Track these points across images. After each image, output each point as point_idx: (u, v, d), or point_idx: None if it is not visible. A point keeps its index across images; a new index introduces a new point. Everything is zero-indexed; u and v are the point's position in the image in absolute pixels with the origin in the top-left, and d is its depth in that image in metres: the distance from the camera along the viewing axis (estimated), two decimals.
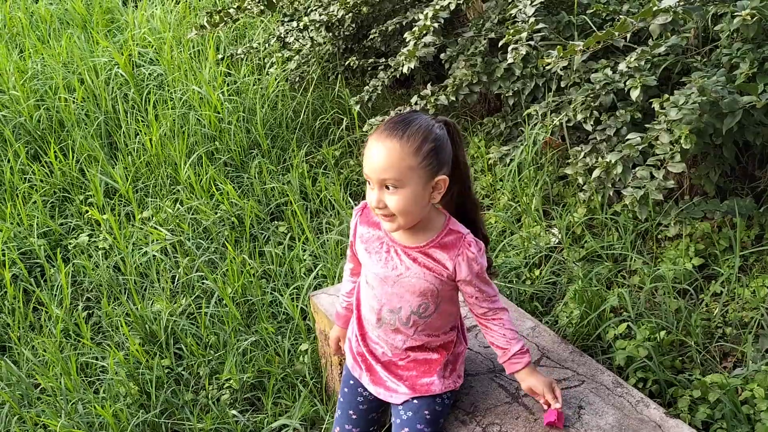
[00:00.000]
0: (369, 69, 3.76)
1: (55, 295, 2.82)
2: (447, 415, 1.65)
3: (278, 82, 3.85)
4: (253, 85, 3.84)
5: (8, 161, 3.49)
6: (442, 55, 3.24)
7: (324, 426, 2.18)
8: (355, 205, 3.16)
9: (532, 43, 2.76)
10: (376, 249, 1.59)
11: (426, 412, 1.60)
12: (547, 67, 2.47)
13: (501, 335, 1.58)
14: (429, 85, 3.16)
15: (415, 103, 3.10)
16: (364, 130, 3.35)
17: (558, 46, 2.35)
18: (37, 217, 3.18)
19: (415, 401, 1.62)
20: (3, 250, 2.99)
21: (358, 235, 1.64)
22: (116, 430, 2.18)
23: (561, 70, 2.74)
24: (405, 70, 3.06)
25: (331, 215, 3.12)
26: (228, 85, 3.86)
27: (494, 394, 1.68)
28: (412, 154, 1.41)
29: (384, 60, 3.54)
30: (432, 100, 3.03)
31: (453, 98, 3.02)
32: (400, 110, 3.19)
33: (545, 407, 1.58)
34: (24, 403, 2.39)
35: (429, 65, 3.68)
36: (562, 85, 2.83)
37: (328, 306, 2.12)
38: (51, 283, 2.91)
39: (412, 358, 1.64)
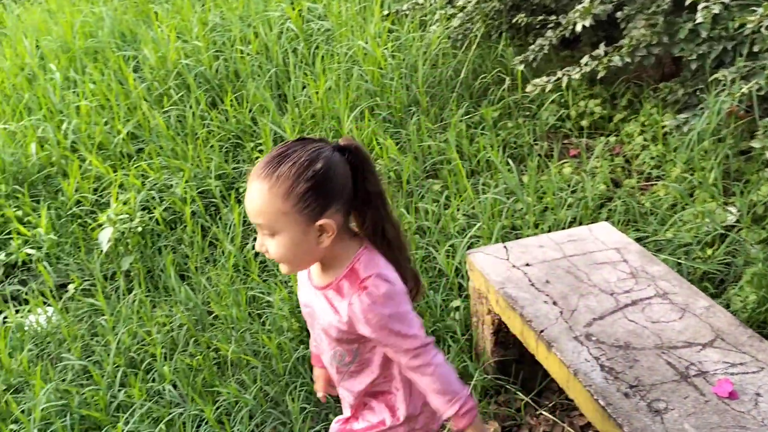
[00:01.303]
0: (536, 27, 3.63)
1: (228, 233, 3.06)
2: None
3: (440, 40, 3.84)
4: (416, 42, 3.86)
5: (190, 107, 3.79)
6: (618, 14, 3.06)
7: (472, 383, 2.21)
8: (516, 167, 3.11)
9: (725, 1, 2.52)
10: (303, 281, 1.43)
11: None
12: (749, 26, 2.25)
13: (433, 396, 1.34)
14: (602, 46, 3.00)
15: (585, 64, 2.97)
16: (527, 91, 3.27)
17: (765, 2, 2.12)
18: (214, 160, 3.44)
19: None
20: (185, 188, 3.28)
21: None
22: (279, 361, 2.35)
23: (754, 33, 2.49)
24: (578, 28, 2.93)
25: (488, 176, 3.10)
26: (392, 41, 3.90)
27: (661, 370, 1.61)
28: (282, 198, 1.21)
29: (554, 17, 3.40)
30: (605, 62, 2.88)
31: (628, 60, 2.85)
32: (567, 72, 3.07)
33: None
34: (199, 327, 2.64)
35: (599, 25, 3.48)
36: (755, 49, 2.57)
37: (484, 265, 2.13)
38: (225, 221, 3.15)
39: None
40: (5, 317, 2.80)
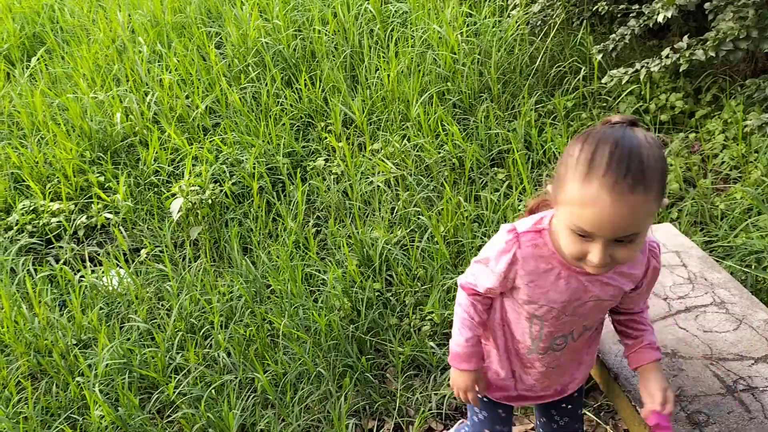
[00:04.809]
0: (619, 16, 3.49)
1: (292, 209, 3.14)
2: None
3: (518, 25, 3.75)
4: (493, 27, 3.79)
5: (266, 85, 3.88)
6: (706, 5, 2.89)
7: None
8: None
9: None
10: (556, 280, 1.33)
11: None
12: None
13: (650, 335, 1.47)
14: (686, 38, 2.85)
15: (666, 56, 2.83)
16: (603, 81, 3.15)
17: None
18: (284, 138, 3.52)
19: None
20: (254, 164, 3.37)
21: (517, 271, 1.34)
22: (328, 338, 2.40)
23: None
24: (660, 18, 2.79)
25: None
26: (468, 26, 3.85)
27: (707, 382, 1.54)
28: (656, 201, 1.13)
29: (638, 6, 3.26)
30: (687, 55, 2.74)
31: (712, 54, 2.70)
32: (647, 64, 2.93)
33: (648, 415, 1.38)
34: (257, 300, 2.73)
35: (689, 15, 3.31)
36: None
37: None
38: (289, 198, 3.23)
39: None
40: (81, 276, 2.99)
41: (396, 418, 2.22)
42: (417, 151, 3.24)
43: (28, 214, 3.40)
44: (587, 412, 2.11)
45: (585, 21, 3.69)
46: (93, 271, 3.05)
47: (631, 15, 3.26)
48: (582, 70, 3.44)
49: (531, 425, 2.11)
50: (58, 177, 3.60)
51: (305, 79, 3.81)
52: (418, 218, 2.88)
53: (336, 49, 4.07)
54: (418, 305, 2.55)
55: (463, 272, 2.55)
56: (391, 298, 2.60)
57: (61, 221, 3.33)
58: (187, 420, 2.23)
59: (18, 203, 3.47)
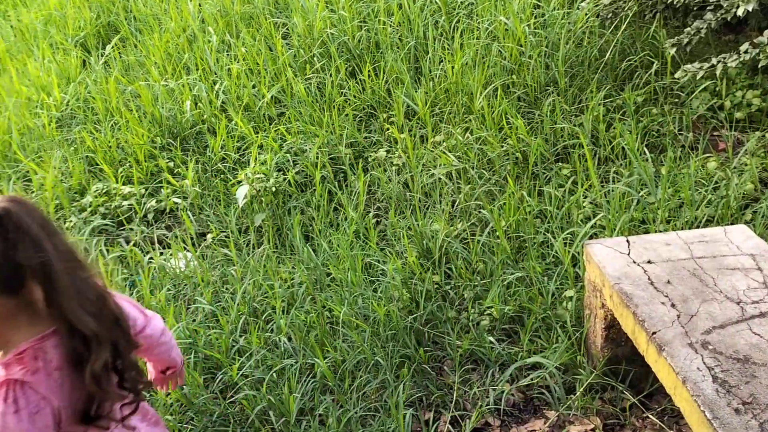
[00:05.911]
0: (694, 9, 3.36)
1: (353, 200, 3.17)
2: None
3: (588, 17, 3.67)
4: (562, 19, 3.71)
5: (330, 75, 3.92)
6: None
7: (580, 378, 2.16)
8: (652, 157, 2.94)
9: None
10: None
11: None
12: None
13: None
14: (766, 32, 2.73)
15: (745, 51, 2.72)
16: (676, 76, 3.05)
17: None
18: (347, 129, 3.55)
19: None
20: (317, 153, 3.42)
21: None
22: (386, 328, 2.42)
23: None
24: (740, 12, 2.68)
25: (621, 165, 2.95)
26: (536, 17, 3.78)
27: None
28: None
29: None
30: (767, 50, 2.62)
31: None
32: (723, 59, 2.82)
33: None
34: (317, 287, 2.78)
35: None
36: None
37: (602, 257, 2.05)
38: (350, 188, 3.26)
39: None
40: (150, 258, 3.10)
41: (453, 411, 2.22)
42: (480, 144, 3.22)
43: (101, 196, 3.54)
44: (650, 416, 2.06)
45: (658, 14, 3.57)
46: (161, 254, 3.16)
47: (707, 8, 3.14)
48: (654, 65, 3.34)
49: (591, 425, 2.08)
50: (129, 161, 3.74)
51: (369, 71, 3.83)
52: (479, 212, 2.86)
53: (400, 40, 4.07)
54: (477, 299, 2.54)
55: (524, 267, 2.53)
56: (449, 291, 2.60)
57: (132, 204, 3.46)
58: (249, 401, 2.29)
59: (92, 186, 3.62)
